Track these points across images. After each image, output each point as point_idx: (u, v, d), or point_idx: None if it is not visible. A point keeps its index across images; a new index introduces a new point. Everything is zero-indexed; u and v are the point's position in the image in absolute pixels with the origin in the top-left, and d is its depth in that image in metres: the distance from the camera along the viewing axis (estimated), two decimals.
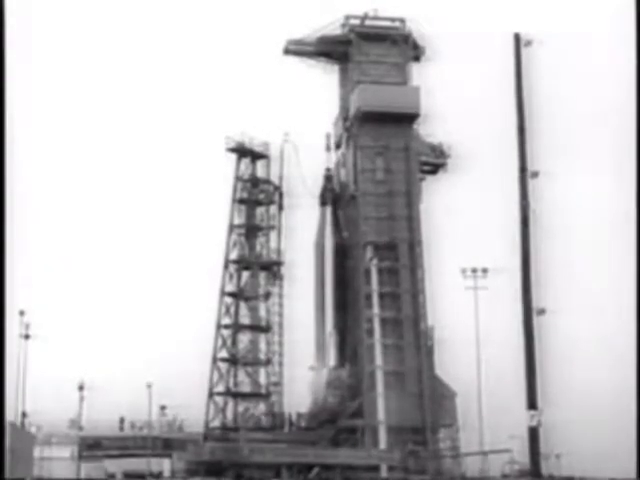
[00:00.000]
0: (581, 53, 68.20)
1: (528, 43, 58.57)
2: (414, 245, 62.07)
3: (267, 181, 67.41)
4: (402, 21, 64.83)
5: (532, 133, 57.16)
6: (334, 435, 59.08)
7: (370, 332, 60.13)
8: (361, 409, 59.34)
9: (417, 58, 65.11)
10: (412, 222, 62.38)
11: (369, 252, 61.42)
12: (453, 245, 61.36)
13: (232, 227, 66.10)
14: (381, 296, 60.80)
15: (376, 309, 60.28)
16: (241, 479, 54.32)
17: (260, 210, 67.27)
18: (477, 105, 60.75)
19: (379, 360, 59.36)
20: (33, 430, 55.96)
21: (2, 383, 28.60)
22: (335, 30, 65.20)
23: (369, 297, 60.70)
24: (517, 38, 59.26)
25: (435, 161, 64.82)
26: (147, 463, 56.78)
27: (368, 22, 65.01)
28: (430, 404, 59.59)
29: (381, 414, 58.12)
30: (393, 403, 58.89)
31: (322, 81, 65.78)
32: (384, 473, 55.78)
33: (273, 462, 54.80)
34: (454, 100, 60.73)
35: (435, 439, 59.82)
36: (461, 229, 61.72)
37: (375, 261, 60.92)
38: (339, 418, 59.74)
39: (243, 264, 66.06)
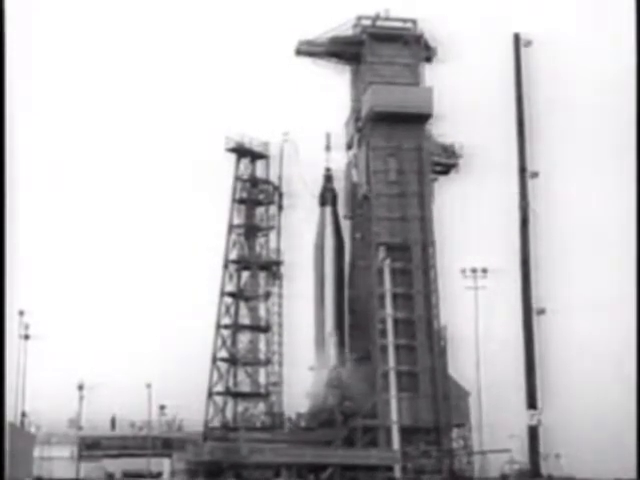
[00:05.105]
0: (581, 53, 68.27)
1: (528, 43, 58.83)
2: (427, 246, 62.11)
3: (267, 181, 67.31)
4: (414, 22, 64.78)
5: (536, 133, 57.29)
6: (347, 435, 59.03)
7: (383, 332, 60.13)
8: (375, 409, 59.32)
9: (429, 59, 65.10)
10: (425, 223, 62.38)
11: (382, 253, 61.42)
12: (464, 245, 61.31)
13: (232, 227, 66.02)
14: (394, 297, 60.82)
15: (389, 309, 60.32)
16: (240, 479, 54.37)
17: (260, 210, 67.16)
18: (488, 105, 60.67)
19: (392, 361, 59.44)
20: (33, 430, 56.05)
21: (2, 383, 28.56)
22: (347, 31, 65.21)
23: (382, 298, 60.72)
24: (517, 38, 59.59)
25: (447, 161, 64.81)
26: (147, 463, 56.77)
27: (380, 23, 64.95)
28: (443, 404, 59.60)
29: (394, 414, 58.18)
30: (406, 403, 59.00)
31: (332, 82, 65.82)
32: (397, 473, 55.93)
33: (272, 462, 54.87)
34: (465, 100, 60.74)
35: (448, 439, 59.80)
36: (472, 229, 61.62)
37: (388, 262, 60.96)
38: (351, 418, 59.68)
39: (243, 264, 65.97)
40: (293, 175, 66.21)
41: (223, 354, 64.27)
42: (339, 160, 67.83)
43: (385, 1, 63.34)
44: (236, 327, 64.96)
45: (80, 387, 58.19)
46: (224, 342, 64.48)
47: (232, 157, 66.57)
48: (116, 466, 57.49)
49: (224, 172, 65.56)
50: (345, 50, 65.50)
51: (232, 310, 65.14)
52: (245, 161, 67.00)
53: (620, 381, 45.62)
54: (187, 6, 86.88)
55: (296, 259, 66.51)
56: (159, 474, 56.98)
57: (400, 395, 59.03)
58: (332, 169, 67.67)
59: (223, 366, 64.09)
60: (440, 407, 59.59)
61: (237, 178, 66.64)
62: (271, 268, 66.39)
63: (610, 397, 55.35)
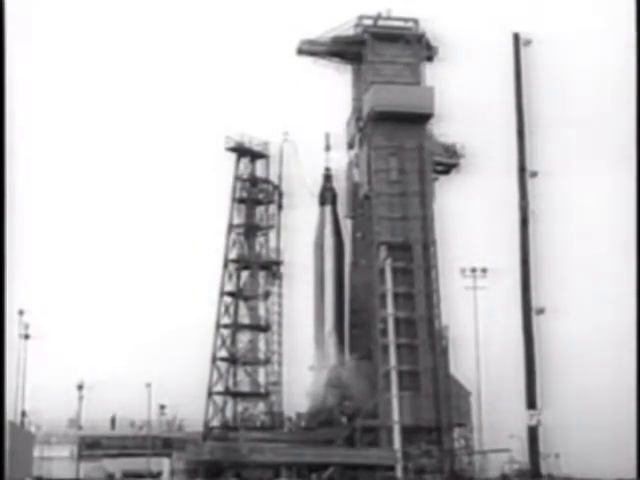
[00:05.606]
0: (581, 53, 68.29)
1: (527, 43, 58.83)
2: (428, 245, 62.11)
3: (266, 180, 67.35)
4: (415, 21, 64.79)
5: (536, 133, 57.24)
6: (349, 435, 59.04)
7: (384, 332, 60.15)
8: (376, 409, 59.34)
9: (430, 58, 65.13)
10: (426, 222, 62.40)
11: (383, 252, 61.41)
12: (465, 245, 61.28)
13: (231, 226, 66.04)
14: (395, 296, 60.82)
15: (390, 309, 60.33)
16: (240, 479, 54.38)
17: (259, 209, 67.21)
18: (488, 105, 60.66)
19: (393, 360, 59.46)
20: (32, 429, 55.95)
21: (2, 383, 28.53)
22: (348, 30, 65.23)
23: (383, 297, 60.73)
24: (516, 38, 59.58)
25: (448, 161, 64.90)
26: (146, 463, 56.75)
27: (381, 22, 64.94)
28: (445, 404, 59.63)
29: (395, 414, 58.19)
30: (407, 403, 59.03)
31: (333, 81, 65.81)
32: (399, 473, 55.99)
33: (272, 462, 54.91)
34: (466, 100, 60.72)
35: (449, 439, 59.80)
36: (473, 229, 61.59)
37: (389, 261, 60.95)
38: (352, 417, 59.71)
39: (242, 264, 65.99)
40: (293, 175, 66.30)
41: (223, 354, 64.29)
42: (340, 160, 67.94)
43: (386, 1, 63.35)
44: (236, 327, 64.97)
45: (80, 386, 58.13)
46: (224, 342, 64.50)
47: (232, 156, 66.60)
48: (116, 466, 57.42)
49: (224, 172, 65.64)
50: (346, 50, 65.50)
51: (232, 310, 65.17)
52: (245, 160, 67.06)
53: (620, 381, 45.58)
54: (188, 5, 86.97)
55: (296, 258, 66.58)
56: (159, 474, 56.94)
57: (401, 394, 59.07)
58: (332, 169, 67.78)
59: (223, 366, 64.10)
60: (441, 407, 59.62)
61: (237, 177, 66.68)
62: (271, 267, 66.41)
63: (610, 397, 55.36)
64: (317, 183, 66.97)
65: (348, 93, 67.43)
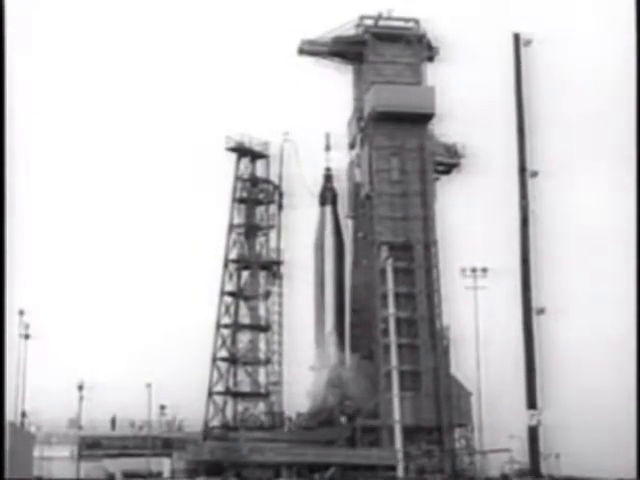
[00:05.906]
0: (581, 53, 68.31)
1: (527, 43, 58.89)
2: (429, 245, 62.16)
3: (267, 180, 67.38)
4: (416, 21, 64.80)
5: (537, 133, 57.27)
6: (351, 435, 59.08)
7: (385, 332, 60.19)
8: (377, 409, 59.36)
9: (431, 58, 65.18)
10: (427, 222, 62.44)
11: (384, 252, 61.44)
12: (466, 245, 61.27)
13: (232, 226, 66.05)
14: (396, 296, 60.84)
15: (391, 309, 60.36)
16: (241, 479, 54.39)
17: (260, 209, 67.23)
18: (489, 105, 60.65)
19: (394, 360, 59.50)
20: (33, 430, 55.92)
21: (2, 383, 28.52)
22: (349, 30, 65.25)
23: (384, 297, 60.76)
24: (517, 38, 59.63)
25: (449, 161, 64.91)
26: (147, 463, 56.79)
27: (382, 22, 64.94)
28: (445, 404, 59.66)
29: (396, 414, 58.24)
30: (408, 403, 59.07)
31: (334, 81, 65.82)
32: (400, 473, 56.04)
33: (273, 462, 54.93)
34: (467, 100, 60.75)
35: (450, 439, 59.81)
36: (474, 229, 61.59)
37: (390, 261, 60.98)
38: (353, 417, 59.75)
39: (243, 263, 66.01)
40: (293, 175, 66.33)
41: (223, 354, 64.28)
42: (341, 160, 67.95)
43: (388, 1, 63.39)
44: (236, 326, 64.98)
45: (80, 387, 58.13)
46: (224, 342, 64.49)
47: (232, 156, 66.62)
48: (116, 466, 57.45)
49: (224, 172, 65.64)
50: (348, 50, 65.52)
51: (232, 309, 65.16)
52: (245, 160, 67.07)
53: (620, 381, 45.58)
54: (189, 5, 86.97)
55: (296, 258, 66.57)
56: (159, 474, 56.98)
57: (402, 394, 59.14)
58: (332, 169, 67.78)
59: (223, 366, 64.10)
60: (442, 407, 59.67)
61: (237, 177, 66.69)
62: (271, 267, 66.41)
63: (610, 397, 55.35)
64: (318, 183, 67.01)
65: (349, 93, 67.48)
